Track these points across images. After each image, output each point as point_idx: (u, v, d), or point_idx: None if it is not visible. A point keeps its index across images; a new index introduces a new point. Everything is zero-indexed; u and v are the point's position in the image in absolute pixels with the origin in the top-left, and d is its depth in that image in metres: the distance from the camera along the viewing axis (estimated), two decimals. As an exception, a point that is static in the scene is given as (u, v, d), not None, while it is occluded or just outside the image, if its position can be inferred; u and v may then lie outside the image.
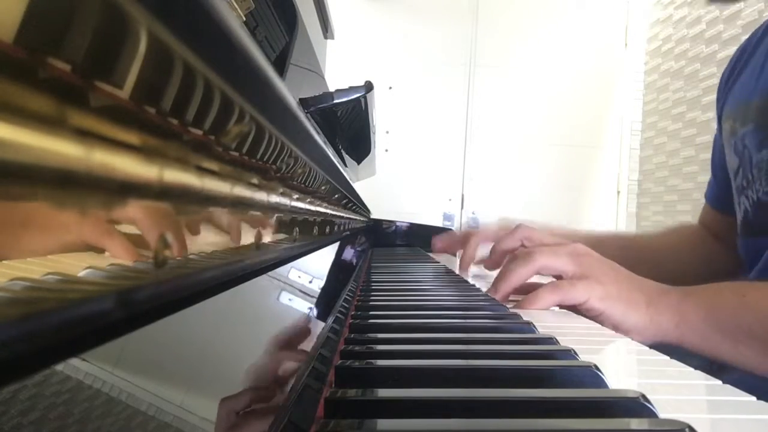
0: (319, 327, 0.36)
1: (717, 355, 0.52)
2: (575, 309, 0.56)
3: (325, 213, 0.52)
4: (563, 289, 0.56)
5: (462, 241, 0.91)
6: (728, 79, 0.85)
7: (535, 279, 0.61)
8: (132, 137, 0.13)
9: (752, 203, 0.74)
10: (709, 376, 0.35)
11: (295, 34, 0.53)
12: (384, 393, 0.26)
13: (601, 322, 0.55)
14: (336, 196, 0.58)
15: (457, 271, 0.89)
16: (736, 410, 0.29)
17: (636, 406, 0.25)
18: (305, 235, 0.42)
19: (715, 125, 0.91)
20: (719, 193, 0.90)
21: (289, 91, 0.24)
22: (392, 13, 2.74)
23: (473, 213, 2.78)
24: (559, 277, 0.59)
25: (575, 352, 0.34)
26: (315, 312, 0.38)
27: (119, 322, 0.13)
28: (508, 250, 0.73)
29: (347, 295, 0.54)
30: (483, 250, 0.90)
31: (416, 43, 2.75)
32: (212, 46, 0.14)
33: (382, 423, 0.23)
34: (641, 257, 0.91)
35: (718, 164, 0.89)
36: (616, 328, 0.54)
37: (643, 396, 0.25)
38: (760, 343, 0.50)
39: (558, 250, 0.59)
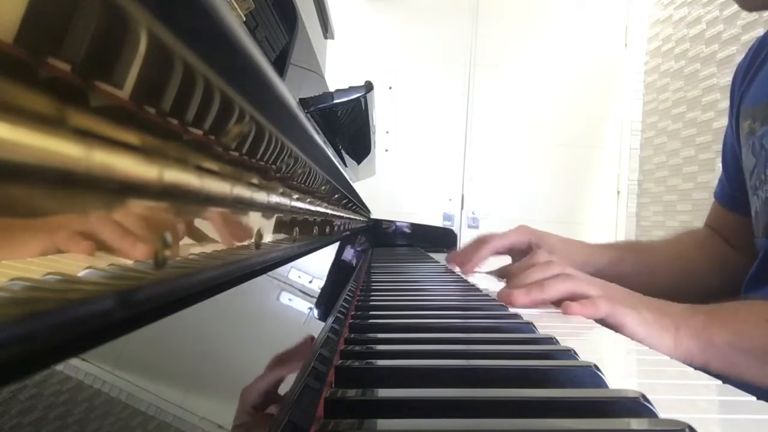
0: (319, 327, 0.36)
1: (743, 378, 0.52)
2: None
3: (325, 213, 0.52)
4: (601, 301, 0.56)
5: (475, 244, 0.88)
6: (744, 75, 0.83)
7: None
8: (132, 137, 0.13)
9: (762, 202, 0.73)
10: (709, 376, 0.35)
11: (295, 34, 0.53)
12: (384, 393, 0.26)
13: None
14: (336, 196, 0.58)
15: (457, 270, 0.89)
16: (735, 410, 0.29)
17: (636, 406, 0.25)
18: (305, 235, 0.42)
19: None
20: (731, 192, 0.88)
21: (289, 91, 0.24)
22: (392, 13, 2.74)
23: (473, 213, 2.78)
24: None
25: (575, 352, 0.34)
26: (315, 312, 0.38)
27: (119, 322, 0.13)
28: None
29: (347, 295, 0.54)
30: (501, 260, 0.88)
31: (416, 43, 2.74)
32: (212, 47, 0.14)
33: (382, 423, 0.23)
34: (658, 268, 0.88)
35: (730, 162, 0.87)
36: None
37: (643, 396, 0.25)
38: None
39: (590, 279, 0.61)
